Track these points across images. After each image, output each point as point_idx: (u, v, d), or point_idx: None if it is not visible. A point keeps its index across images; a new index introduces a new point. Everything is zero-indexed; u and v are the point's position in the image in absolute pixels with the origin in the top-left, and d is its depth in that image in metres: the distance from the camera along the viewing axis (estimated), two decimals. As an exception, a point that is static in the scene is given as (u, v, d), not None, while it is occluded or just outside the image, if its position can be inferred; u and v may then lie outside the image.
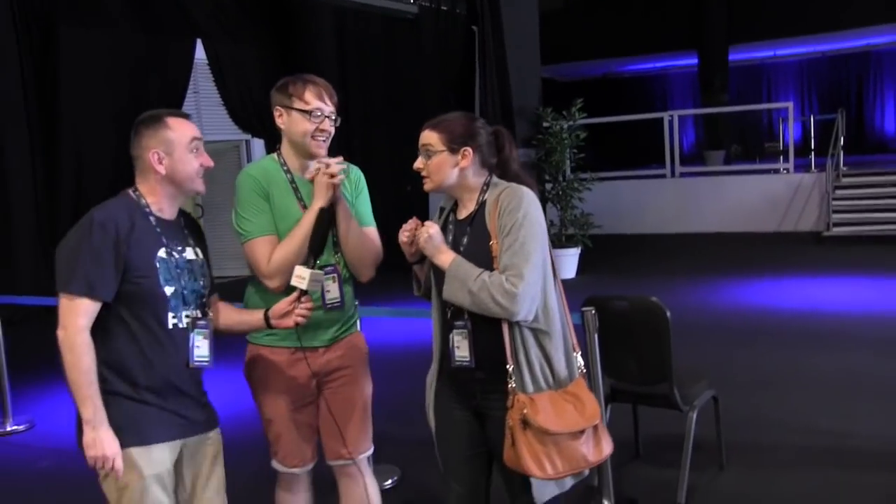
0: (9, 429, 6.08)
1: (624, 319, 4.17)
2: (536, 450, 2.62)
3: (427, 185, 2.81)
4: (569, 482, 2.78)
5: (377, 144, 13.26)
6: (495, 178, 2.84)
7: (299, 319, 2.82)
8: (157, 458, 2.68)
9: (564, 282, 2.90)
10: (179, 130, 2.73)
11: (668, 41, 20.82)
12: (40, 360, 7.69)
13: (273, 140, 12.39)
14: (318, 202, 2.91)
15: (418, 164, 2.79)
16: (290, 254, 2.90)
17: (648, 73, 25.86)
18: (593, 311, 3.97)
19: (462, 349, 2.74)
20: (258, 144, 13.04)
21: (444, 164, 2.76)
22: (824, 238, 13.10)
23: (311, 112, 2.94)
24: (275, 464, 3.18)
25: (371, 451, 3.24)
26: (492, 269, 2.65)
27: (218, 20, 12.03)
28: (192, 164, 2.73)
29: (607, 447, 2.79)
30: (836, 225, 13.27)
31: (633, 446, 4.75)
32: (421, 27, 14.28)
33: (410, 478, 4.51)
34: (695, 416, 4.16)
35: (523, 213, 2.65)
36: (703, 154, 20.32)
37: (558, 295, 2.78)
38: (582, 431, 2.69)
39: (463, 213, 2.84)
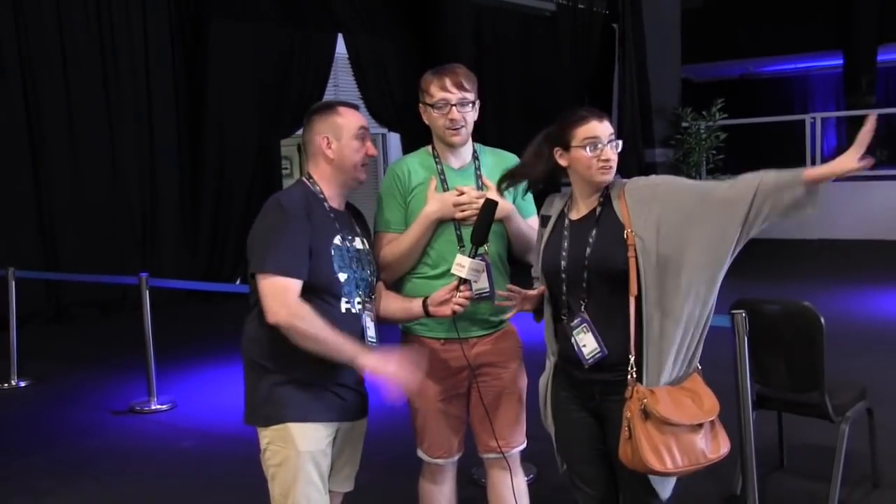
0: (153, 407, 6.29)
1: (775, 324, 4.03)
2: (656, 441, 2.54)
3: (610, 176, 2.71)
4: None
5: (510, 142, 13.20)
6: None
7: (457, 308, 2.83)
8: (313, 436, 2.74)
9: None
10: (348, 117, 2.85)
11: (811, 41, 20.03)
12: (183, 343, 8.03)
13: (409, 134, 12.55)
14: (431, 208, 2.98)
15: (613, 155, 2.70)
16: (396, 253, 3.01)
17: (789, 73, 24.99)
18: (744, 315, 3.84)
19: (589, 345, 2.68)
20: (394, 138, 13.19)
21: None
22: (979, 249, 12.41)
23: (434, 105, 2.98)
24: (420, 453, 3.19)
25: (524, 445, 3.22)
26: (626, 259, 2.59)
27: (359, 15, 12.26)
28: (359, 150, 2.84)
29: (724, 446, 2.68)
30: None
31: (778, 456, 4.57)
32: (558, 25, 14.20)
33: (546, 476, 4.47)
34: (847, 428, 3.98)
35: (673, 178, 2.73)
36: (845, 158, 19.49)
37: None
38: (700, 425, 2.61)
39: (581, 212, 2.78)
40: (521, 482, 3.24)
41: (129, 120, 10.18)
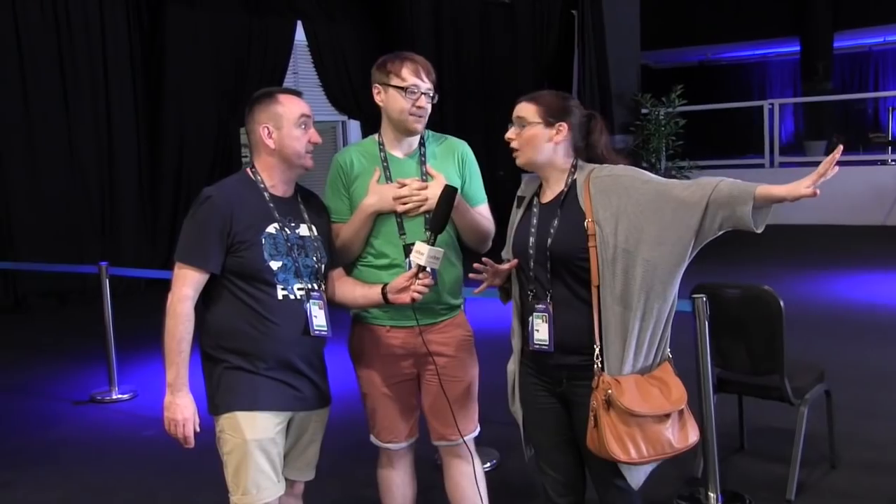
0: (114, 397, 6.24)
1: (735, 308, 4.07)
2: (620, 431, 2.54)
3: (519, 159, 2.77)
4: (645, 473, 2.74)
5: (470, 129, 13.23)
6: (581, 162, 2.78)
7: (415, 295, 2.81)
8: (261, 424, 2.75)
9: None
10: (288, 106, 2.81)
11: (769, 27, 20.26)
12: (143, 331, 7.94)
13: (369, 122, 12.50)
14: (368, 200, 2.97)
15: (511, 134, 2.75)
16: (339, 242, 3.02)
17: (748, 59, 25.23)
18: (704, 299, 3.88)
19: (541, 332, 2.70)
20: (354, 126, 13.13)
21: (538, 137, 2.71)
22: (934, 233, 12.59)
23: (406, 89, 2.95)
24: (372, 438, 3.21)
25: (476, 432, 3.22)
26: (585, 249, 2.60)
27: (318, 1, 12.17)
28: (300, 139, 2.80)
29: (693, 434, 2.70)
30: (947, 220, 12.74)
31: (738, 439, 4.63)
32: (517, 11, 14.20)
33: (509, 461, 4.49)
34: (806, 410, 4.03)
35: (636, 171, 2.67)
36: (802, 144, 19.73)
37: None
38: (667, 416, 2.61)
39: (549, 196, 2.78)
40: (475, 470, 3.21)
41: (87, 107, 10.04)
